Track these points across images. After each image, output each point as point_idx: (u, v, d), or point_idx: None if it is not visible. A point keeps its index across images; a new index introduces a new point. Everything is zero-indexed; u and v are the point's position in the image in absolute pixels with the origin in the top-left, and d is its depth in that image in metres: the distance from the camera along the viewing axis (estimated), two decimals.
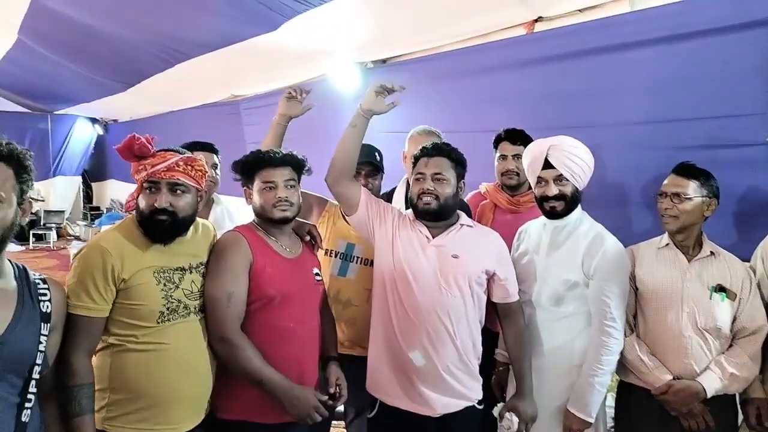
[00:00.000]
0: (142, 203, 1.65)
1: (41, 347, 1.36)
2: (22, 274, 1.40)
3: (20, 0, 4.46)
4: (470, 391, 1.92)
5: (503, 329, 2.02)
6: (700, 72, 2.33)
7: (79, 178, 11.62)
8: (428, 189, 1.90)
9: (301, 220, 2.03)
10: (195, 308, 1.70)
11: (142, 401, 1.58)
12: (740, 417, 1.97)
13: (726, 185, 2.14)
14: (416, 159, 2.00)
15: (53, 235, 10.05)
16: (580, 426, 1.90)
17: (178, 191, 1.66)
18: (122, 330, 1.59)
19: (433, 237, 1.95)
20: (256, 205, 1.87)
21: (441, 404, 1.87)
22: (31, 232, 9.78)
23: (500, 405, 1.99)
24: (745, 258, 2.05)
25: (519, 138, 2.44)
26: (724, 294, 1.88)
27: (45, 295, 1.41)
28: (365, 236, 2.07)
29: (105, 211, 10.88)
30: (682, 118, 2.40)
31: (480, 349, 1.96)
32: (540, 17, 2.94)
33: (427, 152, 1.97)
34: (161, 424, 1.60)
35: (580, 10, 2.78)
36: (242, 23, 3.79)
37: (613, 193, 2.61)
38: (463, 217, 2.03)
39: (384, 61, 4.05)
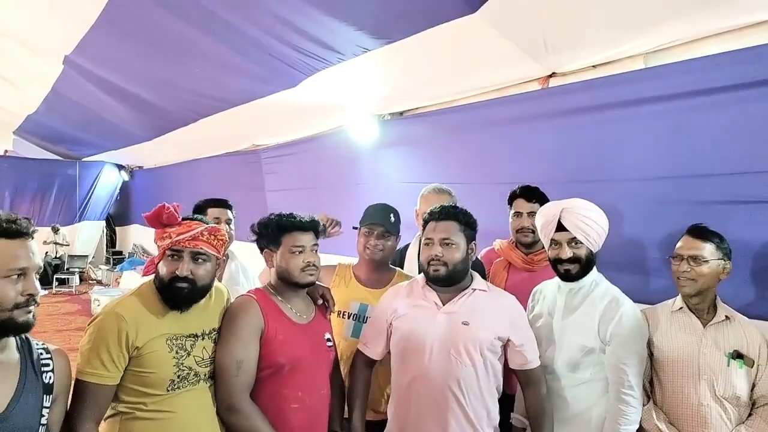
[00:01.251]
0: (163, 270, 1.67)
1: (43, 420, 1.35)
2: (24, 345, 1.40)
3: (56, 58, 4.70)
4: None
5: (525, 396, 1.95)
6: (714, 129, 2.31)
7: (103, 223, 11.87)
8: (436, 255, 1.89)
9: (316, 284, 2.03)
10: (205, 375, 1.69)
11: None
12: None
13: (741, 242, 2.10)
14: (425, 222, 1.99)
15: (76, 279, 10.20)
16: None
17: (200, 260, 1.68)
18: (132, 397, 1.58)
19: (444, 303, 1.91)
20: (282, 269, 1.86)
21: None
22: (54, 277, 9.94)
23: None
24: (764, 317, 1.99)
25: (534, 195, 2.43)
26: (741, 360, 1.81)
27: (48, 365, 1.41)
28: None
29: (127, 256, 11.03)
30: (696, 174, 2.37)
31: (496, 418, 1.90)
32: (554, 73, 2.98)
33: (435, 216, 1.96)
34: None
35: (594, 66, 2.81)
36: (263, 82, 3.90)
37: (628, 249, 2.57)
38: (477, 281, 1.99)
39: (401, 113, 4.12)
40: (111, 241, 12.48)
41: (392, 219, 2.28)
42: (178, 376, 1.62)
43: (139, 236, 11.16)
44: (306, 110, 4.28)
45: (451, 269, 1.89)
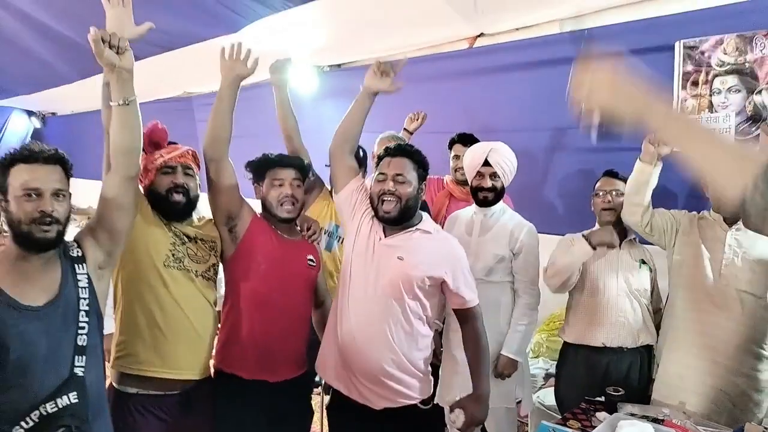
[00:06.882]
0: (161, 184, 1.91)
1: (82, 293, 1.55)
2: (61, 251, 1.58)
3: None
4: (411, 391, 1.95)
5: (463, 332, 2.04)
6: None
7: None
8: (389, 190, 1.91)
9: (306, 215, 2.28)
10: (197, 272, 1.94)
11: (144, 343, 1.83)
12: None
13: None
14: (379, 158, 2.03)
15: None
16: (510, 368, 2.37)
17: (189, 174, 1.96)
18: (132, 269, 1.85)
19: (387, 236, 1.97)
20: (264, 198, 2.12)
21: (376, 399, 1.92)
22: None
23: (459, 396, 1.97)
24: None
25: (469, 141, 2.90)
26: (646, 265, 2.43)
27: (73, 246, 1.61)
28: (342, 219, 2.26)
29: None
30: None
31: (428, 351, 2.02)
32: (482, 33, 3.30)
33: (390, 152, 2.00)
34: (163, 368, 1.84)
35: (517, 29, 3.16)
36: (202, 25, 3.90)
37: (541, 188, 3.08)
38: (425, 222, 2.02)
39: (339, 65, 4.29)
40: None
41: (361, 153, 2.57)
42: (173, 255, 1.88)
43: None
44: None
45: (404, 204, 1.91)
